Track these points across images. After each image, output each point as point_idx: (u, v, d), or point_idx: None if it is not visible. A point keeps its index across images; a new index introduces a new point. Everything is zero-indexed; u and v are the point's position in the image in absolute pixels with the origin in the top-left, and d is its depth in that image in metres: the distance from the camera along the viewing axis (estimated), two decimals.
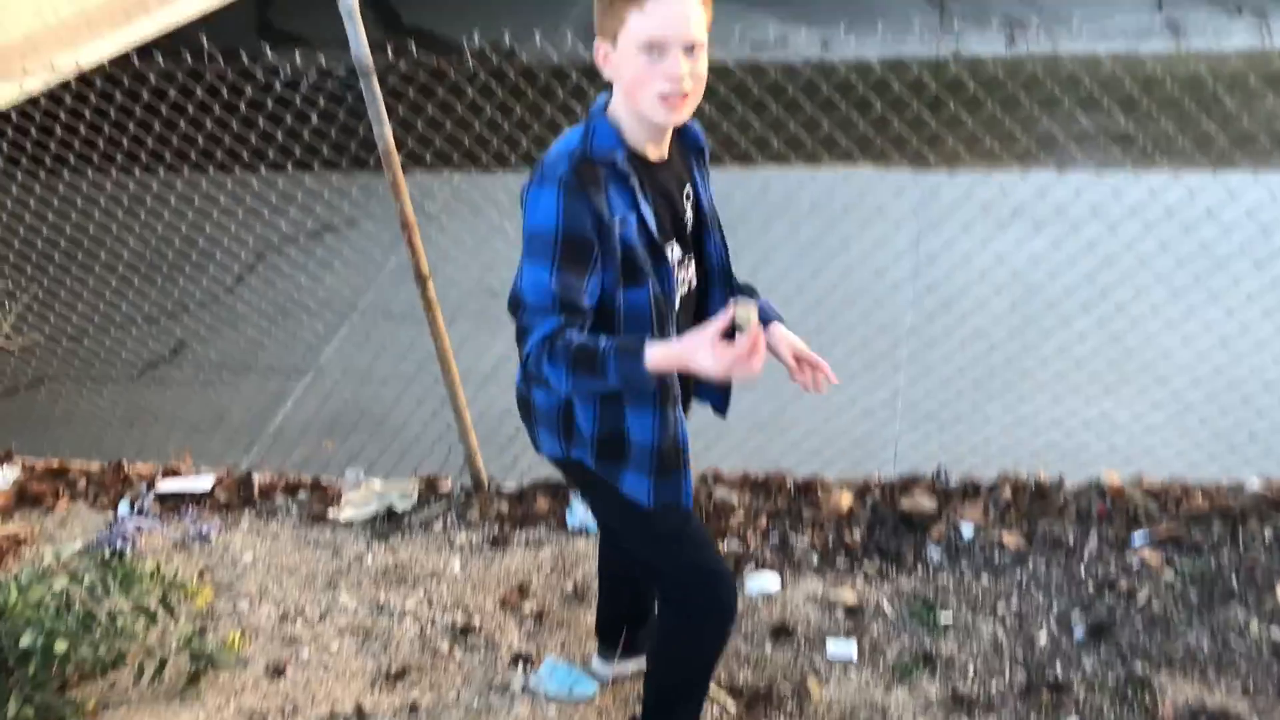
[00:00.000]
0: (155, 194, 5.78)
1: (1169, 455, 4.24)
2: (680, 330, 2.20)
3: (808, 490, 3.97)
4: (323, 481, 4.27)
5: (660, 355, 1.93)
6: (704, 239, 2.33)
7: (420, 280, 3.76)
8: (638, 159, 2.10)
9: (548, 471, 4.14)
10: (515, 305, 2.05)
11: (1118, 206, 4.07)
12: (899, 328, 5.00)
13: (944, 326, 4.67)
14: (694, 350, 1.88)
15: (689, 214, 2.26)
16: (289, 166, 5.43)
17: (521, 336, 2.03)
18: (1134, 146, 7.16)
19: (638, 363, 1.92)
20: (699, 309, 2.37)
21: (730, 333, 1.88)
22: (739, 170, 4.72)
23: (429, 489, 4.12)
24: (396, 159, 3.57)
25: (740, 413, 4.74)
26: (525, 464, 4.21)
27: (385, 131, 3.52)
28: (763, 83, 5.29)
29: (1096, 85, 7.02)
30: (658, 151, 2.15)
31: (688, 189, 2.25)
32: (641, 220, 2.08)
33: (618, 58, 2.01)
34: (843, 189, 4.21)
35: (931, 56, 9.30)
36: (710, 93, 2.17)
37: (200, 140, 4.43)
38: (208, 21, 6.49)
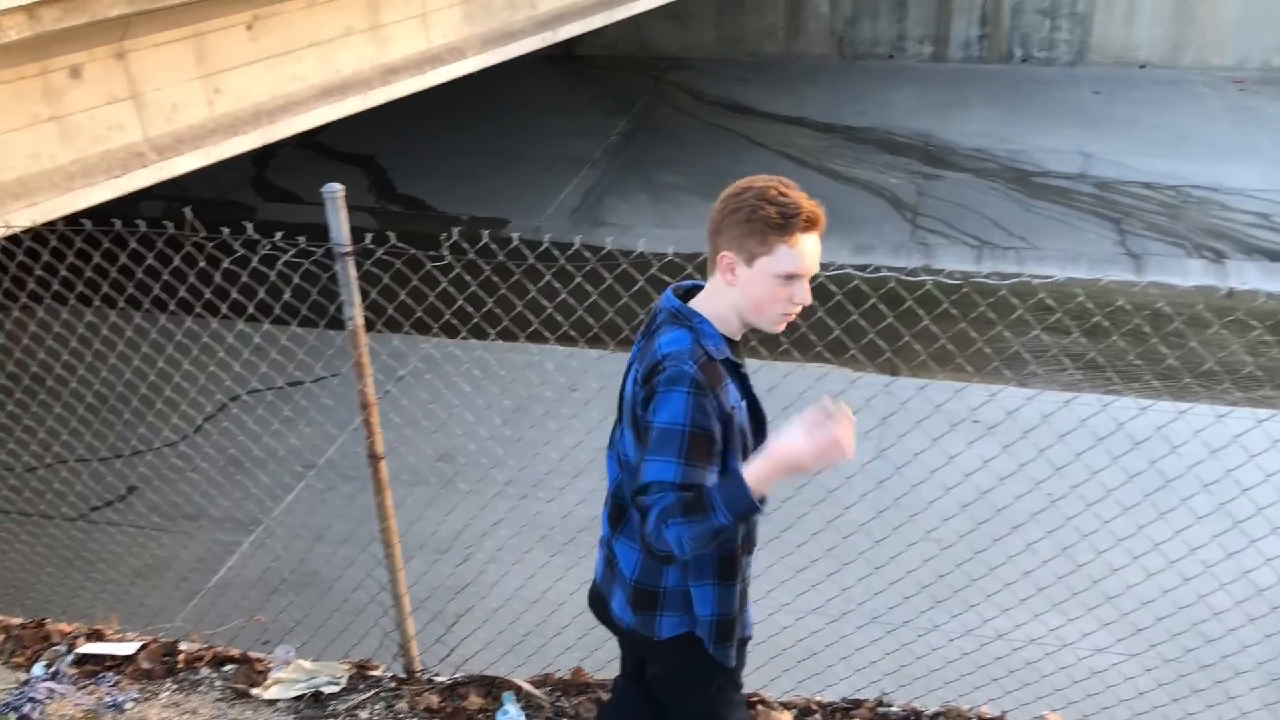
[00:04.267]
0: (129, 335, 5.79)
1: (1117, 679, 4.24)
2: None
3: (748, 706, 3.87)
4: (251, 655, 4.13)
5: (757, 469, 2.07)
6: None
7: (373, 460, 3.75)
8: (731, 346, 2.33)
9: (481, 665, 4.05)
10: (641, 492, 2.17)
11: (1073, 424, 4.19)
12: (866, 536, 5.02)
13: (900, 531, 4.70)
14: (789, 445, 2.02)
15: None
16: (266, 322, 5.48)
17: (645, 517, 2.15)
18: (1095, 369, 7.36)
19: (739, 484, 2.06)
20: None
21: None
22: None
23: (359, 673, 4.00)
24: (364, 341, 3.62)
25: None
26: (460, 655, 4.11)
27: (356, 314, 3.58)
28: None
29: (1060, 308, 7.27)
30: (738, 338, 2.38)
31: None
32: (753, 404, 2.32)
33: (748, 275, 2.23)
34: (813, 392, 4.31)
35: (902, 267, 9.63)
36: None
37: (181, 287, 4.48)
38: (204, 172, 6.66)
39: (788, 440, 2.04)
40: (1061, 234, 10.44)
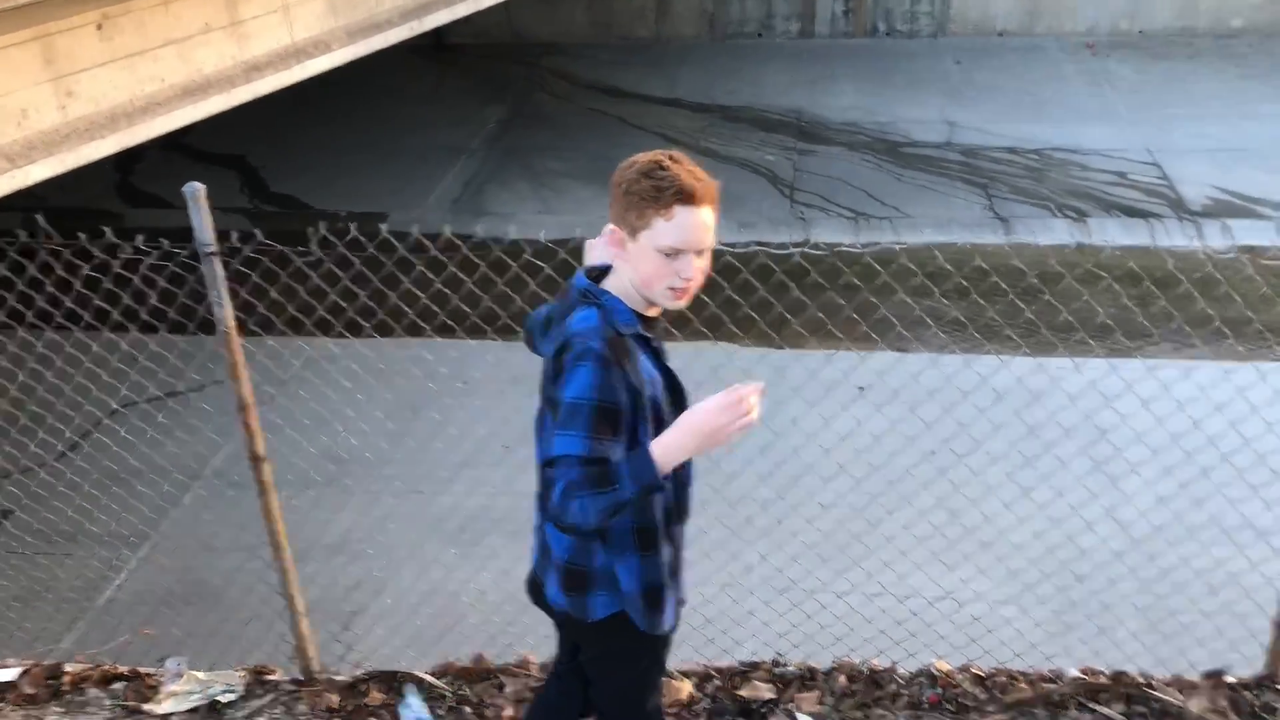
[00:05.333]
0: None
1: (1007, 632, 4.44)
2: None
3: None
4: (142, 670, 4.03)
5: (666, 439, 2.11)
6: None
7: (255, 462, 3.70)
8: (643, 321, 2.33)
9: (381, 661, 4.03)
10: (548, 464, 2.18)
11: (952, 389, 4.36)
12: (752, 503, 5.13)
13: (785, 496, 4.80)
14: (698, 412, 2.07)
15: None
16: (133, 329, 5.29)
17: (550, 489, 2.15)
18: (967, 332, 7.63)
19: (644, 458, 2.09)
20: None
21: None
22: None
23: (256, 679, 3.94)
24: (236, 342, 3.55)
25: None
26: (359, 653, 4.09)
27: (226, 314, 3.51)
28: None
29: (933, 274, 7.51)
30: (653, 313, 2.37)
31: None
32: (667, 376, 2.33)
33: (635, 250, 2.23)
34: (696, 366, 4.39)
35: (780, 241, 9.80)
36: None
37: (39, 297, 4.31)
38: (65, 179, 6.40)
39: (698, 408, 2.10)
40: (933, 201, 10.75)
